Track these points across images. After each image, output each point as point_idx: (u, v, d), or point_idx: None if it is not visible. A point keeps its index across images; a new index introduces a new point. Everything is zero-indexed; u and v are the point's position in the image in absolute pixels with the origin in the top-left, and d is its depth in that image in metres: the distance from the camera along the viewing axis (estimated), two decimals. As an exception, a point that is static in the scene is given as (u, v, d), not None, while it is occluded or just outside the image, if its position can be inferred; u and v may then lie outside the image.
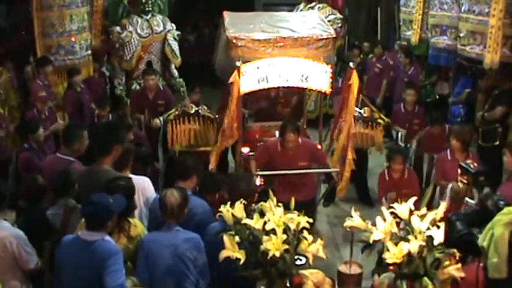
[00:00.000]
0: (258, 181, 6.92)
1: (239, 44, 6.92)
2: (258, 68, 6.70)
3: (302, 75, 6.80)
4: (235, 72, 6.53)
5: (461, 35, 8.85)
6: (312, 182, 7.36)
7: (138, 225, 4.96)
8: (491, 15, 8.10)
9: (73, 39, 9.34)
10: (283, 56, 6.84)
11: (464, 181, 4.33)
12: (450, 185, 6.42)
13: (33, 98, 8.71)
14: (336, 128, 7.48)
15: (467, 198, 5.02)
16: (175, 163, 5.57)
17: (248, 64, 6.68)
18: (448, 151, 7.21)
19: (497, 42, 8.11)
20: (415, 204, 6.53)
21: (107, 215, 4.45)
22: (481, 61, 8.35)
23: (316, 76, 6.83)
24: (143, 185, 5.59)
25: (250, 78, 6.68)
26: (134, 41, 10.65)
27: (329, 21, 11.20)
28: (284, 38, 6.97)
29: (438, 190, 7.57)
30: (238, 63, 6.62)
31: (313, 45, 6.98)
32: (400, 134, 8.94)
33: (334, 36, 7.25)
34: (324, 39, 7.03)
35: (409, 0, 10.76)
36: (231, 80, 6.53)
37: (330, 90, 7.04)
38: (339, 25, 11.61)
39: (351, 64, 7.07)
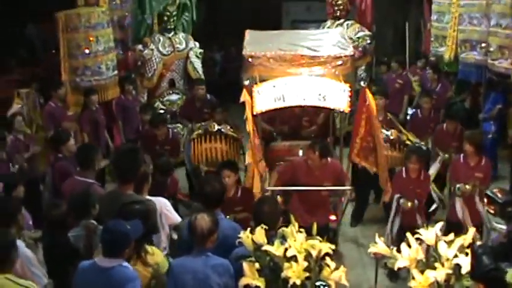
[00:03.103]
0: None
1: (255, 63, 6.87)
2: (274, 86, 6.57)
3: (319, 94, 6.63)
4: (244, 91, 6.43)
5: (491, 49, 8.67)
6: (327, 204, 7.24)
7: (156, 253, 4.83)
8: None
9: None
10: (300, 74, 6.74)
11: (491, 211, 4.16)
12: (458, 186, 6.89)
13: (44, 120, 8.88)
14: (353, 150, 7.33)
15: (495, 224, 4.85)
16: (205, 192, 5.38)
17: (264, 83, 6.59)
18: (462, 155, 7.28)
19: (524, 55, 7.94)
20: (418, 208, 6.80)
21: (124, 242, 4.37)
22: (509, 75, 8.15)
23: (334, 95, 6.66)
24: (160, 208, 5.48)
25: (266, 97, 6.56)
26: (155, 59, 10.75)
27: (358, 38, 11.24)
28: (301, 56, 6.89)
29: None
30: (246, 82, 6.55)
31: (331, 63, 6.88)
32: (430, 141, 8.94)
33: (353, 54, 7.16)
34: (342, 57, 6.93)
35: (442, 16, 10.57)
36: (241, 99, 6.43)
37: (349, 109, 6.87)
38: (368, 42, 11.53)
39: (362, 83, 6.95)
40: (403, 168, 7.34)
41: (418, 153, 7.28)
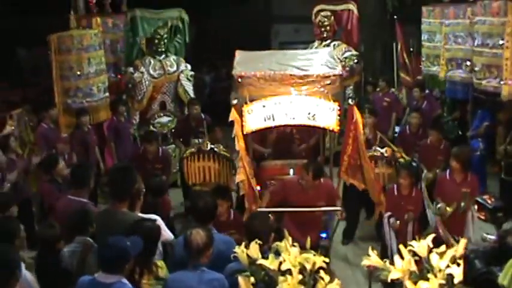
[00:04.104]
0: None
1: (245, 82, 6.93)
2: (264, 106, 6.67)
3: (309, 113, 6.72)
4: (232, 110, 6.51)
5: (476, 69, 8.79)
6: (319, 223, 7.24)
7: (163, 267, 4.92)
8: (504, 47, 8.05)
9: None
10: (290, 94, 6.81)
11: (482, 217, 4.22)
12: (439, 205, 7.04)
13: (37, 142, 8.94)
14: (341, 168, 7.40)
15: (484, 234, 4.90)
16: (198, 207, 5.46)
17: (254, 102, 6.67)
18: (448, 172, 7.32)
19: (512, 73, 8.04)
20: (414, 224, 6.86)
21: (124, 258, 4.40)
22: (499, 94, 8.26)
23: (324, 114, 6.75)
24: None
25: (256, 116, 6.65)
26: (145, 82, 10.82)
27: (345, 58, 11.34)
28: (290, 75, 6.95)
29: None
30: (234, 101, 6.62)
31: (320, 82, 6.94)
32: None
33: (341, 74, 7.23)
34: (331, 76, 7.00)
35: (434, 35, 10.73)
36: (230, 118, 6.49)
37: (338, 128, 6.94)
38: (355, 61, 11.66)
39: (350, 101, 7.04)
40: (395, 186, 7.39)
41: (408, 169, 7.35)
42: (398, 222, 6.98)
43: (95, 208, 6.23)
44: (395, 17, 13.68)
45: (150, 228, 4.93)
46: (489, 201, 4.23)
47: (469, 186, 7.02)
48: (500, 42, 8.13)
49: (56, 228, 5.50)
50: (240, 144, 6.55)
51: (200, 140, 8.98)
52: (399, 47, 12.76)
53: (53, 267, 5.23)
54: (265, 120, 6.70)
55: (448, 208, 6.91)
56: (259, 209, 6.58)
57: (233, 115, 6.49)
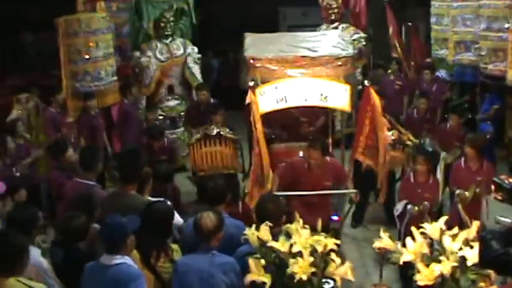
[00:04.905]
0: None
1: (257, 65, 6.89)
2: (276, 88, 6.64)
3: (321, 95, 6.70)
4: (250, 92, 6.47)
5: (482, 53, 8.72)
6: (328, 205, 7.24)
7: (178, 251, 4.92)
8: (509, 30, 7.97)
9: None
10: (301, 75, 6.78)
11: (499, 197, 4.18)
12: (457, 192, 6.90)
13: (45, 126, 8.92)
14: (356, 149, 7.36)
15: (498, 217, 4.87)
16: (208, 187, 5.46)
17: (266, 84, 6.64)
18: (462, 159, 7.26)
19: (517, 57, 8.00)
20: (430, 212, 6.64)
21: (122, 235, 4.40)
22: (504, 78, 8.21)
23: (336, 95, 6.73)
24: None
25: (268, 98, 6.62)
26: (152, 66, 10.77)
27: (354, 40, 11.22)
28: (302, 57, 6.92)
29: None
30: (251, 83, 6.56)
31: (332, 64, 6.91)
32: (427, 140, 8.99)
33: (353, 55, 7.22)
34: (342, 58, 6.96)
35: (442, 18, 10.63)
36: (247, 100, 6.46)
37: (350, 109, 6.93)
38: (363, 43, 11.59)
39: (366, 82, 6.98)
40: (411, 173, 7.27)
41: (425, 154, 7.28)
42: (416, 208, 6.78)
43: (102, 191, 6.22)
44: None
45: (163, 209, 4.93)
46: (506, 182, 4.19)
47: (484, 175, 6.92)
48: (506, 25, 8.06)
49: (82, 218, 5.13)
50: (257, 126, 6.51)
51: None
52: (390, 30, 12.65)
53: (68, 261, 5.01)
54: (277, 102, 6.66)
55: (467, 193, 6.77)
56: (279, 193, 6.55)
57: (250, 97, 6.45)
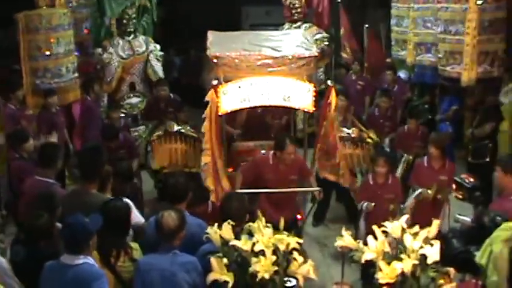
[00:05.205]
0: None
1: (220, 63, 6.86)
2: (239, 87, 6.63)
3: (284, 94, 6.72)
4: (212, 90, 6.45)
5: (440, 55, 8.88)
6: (294, 201, 7.26)
7: (137, 249, 4.87)
8: (465, 33, 8.14)
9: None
10: (265, 75, 6.77)
11: (460, 196, 4.25)
12: (419, 190, 6.86)
13: (3, 122, 8.51)
14: (317, 148, 7.41)
15: (457, 215, 4.96)
16: (169, 185, 5.43)
17: (229, 83, 6.62)
18: (425, 158, 7.30)
19: (473, 59, 8.16)
20: (393, 211, 6.66)
21: (85, 236, 4.34)
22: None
23: (299, 95, 6.75)
24: None
25: (232, 97, 6.61)
26: (114, 63, 10.67)
27: (316, 40, 11.26)
28: (266, 56, 6.90)
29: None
30: (214, 82, 6.56)
31: (295, 63, 6.91)
32: (387, 140, 9.10)
33: (317, 55, 7.21)
34: (306, 57, 6.97)
35: (402, 20, 10.76)
36: (207, 98, 6.43)
37: (314, 109, 6.95)
38: (326, 43, 11.66)
39: (329, 82, 7.02)
40: (370, 175, 7.31)
41: (386, 156, 7.28)
42: (373, 204, 6.84)
43: (62, 190, 6.12)
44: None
45: (119, 207, 4.88)
46: (467, 181, 4.26)
47: (446, 174, 6.94)
48: (462, 29, 8.24)
49: (45, 217, 5.04)
50: (208, 125, 6.49)
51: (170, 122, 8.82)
52: (341, 31, 12.77)
53: (29, 259, 4.93)
54: (241, 101, 6.66)
55: (429, 191, 6.78)
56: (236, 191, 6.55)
57: (211, 95, 6.42)
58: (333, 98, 6.85)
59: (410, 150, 8.39)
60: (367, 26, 12.70)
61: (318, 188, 7.03)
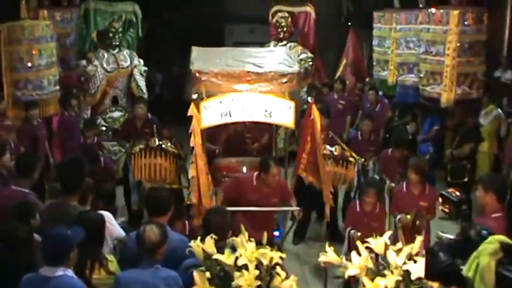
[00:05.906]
0: None
1: (203, 78, 6.88)
2: (220, 102, 6.63)
3: (266, 110, 6.72)
4: (192, 105, 6.45)
5: (421, 75, 9.00)
6: (273, 220, 7.25)
7: (113, 261, 4.82)
8: (445, 54, 8.26)
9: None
10: (247, 90, 6.80)
11: (446, 210, 4.25)
12: (398, 217, 6.75)
13: None
14: (299, 166, 7.41)
15: (440, 233, 4.98)
16: (151, 198, 5.39)
17: (211, 98, 6.63)
18: (404, 184, 7.19)
19: (452, 81, 8.29)
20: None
21: (66, 248, 4.26)
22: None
23: (280, 111, 6.75)
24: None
25: (213, 112, 6.60)
26: (99, 75, 10.63)
27: (301, 59, 11.35)
28: (248, 72, 6.94)
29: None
30: (194, 96, 6.58)
31: (277, 80, 6.95)
32: (371, 162, 9.07)
33: (299, 73, 7.28)
34: (288, 74, 7.01)
35: (384, 41, 10.87)
36: (189, 113, 6.43)
37: (294, 126, 6.98)
38: (310, 63, 11.72)
39: (309, 99, 7.05)
40: (357, 202, 7.19)
41: (375, 187, 7.12)
42: (359, 233, 6.58)
43: (37, 201, 5.98)
44: (349, 23, 13.86)
45: (94, 218, 4.86)
46: (454, 195, 4.28)
47: (426, 200, 6.83)
48: (443, 50, 8.36)
49: (25, 227, 4.99)
50: (196, 140, 6.46)
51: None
52: (350, 53, 12.88)
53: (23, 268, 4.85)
54: (221, 116, 6.65)
55: (408, 216, 6.62)
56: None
57: (192, 110, 6.41)
58: (316, 116, 6.85)
59: (394, 176, 8.30)
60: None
61: (297, 208, 7.01)
